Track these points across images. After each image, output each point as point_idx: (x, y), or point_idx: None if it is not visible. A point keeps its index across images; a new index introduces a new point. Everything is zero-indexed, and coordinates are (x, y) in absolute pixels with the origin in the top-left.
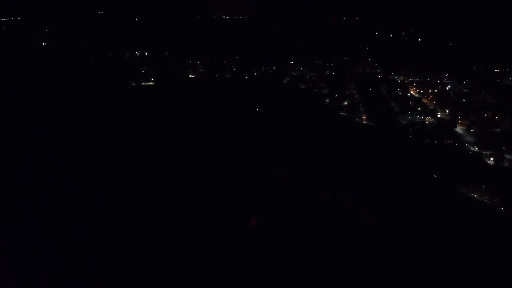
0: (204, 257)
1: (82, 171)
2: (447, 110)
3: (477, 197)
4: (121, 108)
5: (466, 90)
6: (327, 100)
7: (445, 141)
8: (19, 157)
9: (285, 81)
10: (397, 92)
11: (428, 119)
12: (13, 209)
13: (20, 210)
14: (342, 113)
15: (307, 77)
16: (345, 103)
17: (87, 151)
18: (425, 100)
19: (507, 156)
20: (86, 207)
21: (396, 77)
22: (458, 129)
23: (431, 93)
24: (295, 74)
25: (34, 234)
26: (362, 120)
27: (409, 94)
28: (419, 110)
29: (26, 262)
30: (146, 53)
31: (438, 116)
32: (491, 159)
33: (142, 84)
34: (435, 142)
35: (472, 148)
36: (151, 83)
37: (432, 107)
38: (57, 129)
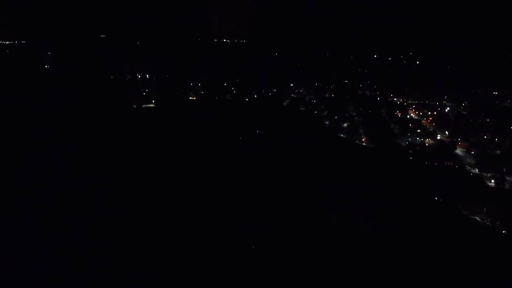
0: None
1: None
2: (446, 132)
3: (478, 219)
4: (121, 129)
5: (465, 112)
6: (326, 122)
7: (446, 163)
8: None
9: (285, 103)
10: (397, 114)
11: (428, 141)
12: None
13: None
14: (342, 135)
15: (307, 99)
16: (345, 125)
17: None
18: (424, 122)
19: (508, 178)
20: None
21: (395, 99)
22: (458, 151)
23: (430, 115)
24: (295, 96)
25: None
26: (362, 142)
27: (408, 116)
28: (418, 132)
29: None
30: (147, 75)
31: (438, 138)
32: (492, 181)
33: (143, 106)
34: (436, 164)
35: (473, 170)
36: (151, 105)
37: (431, 129)
38: (59, 148)
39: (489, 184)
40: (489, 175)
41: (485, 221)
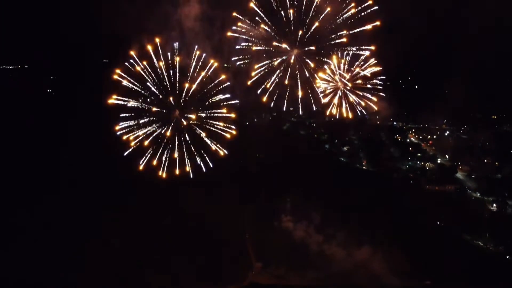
0: None
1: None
2: (447, 156)
3: (481, 244)
4: (120, 157)
5: (464, 136)
6: (327, 146)
7: (447, 187)
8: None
9: (285, 127)
10: (396, 138)
11: (428, 164)
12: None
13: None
14: (342, 159)
15: (307, 123)
16: (345, 148)
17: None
18: (424, 146)
19: (510, 202)
20: None
21: (394, 123)
22: (459, 175)
23: (430, 139)
24: (295, 120)
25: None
26: (363, 165)
27: (408, 140)
28: (419, 156)
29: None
30: (148, 100)
31: (439, 161)
32: (494, 205)
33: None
34: (437, 188)
35: (474, 194)
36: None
37: (432, 153)
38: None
39: (491, 208)
40: (490, 199)
41: (488, 246)
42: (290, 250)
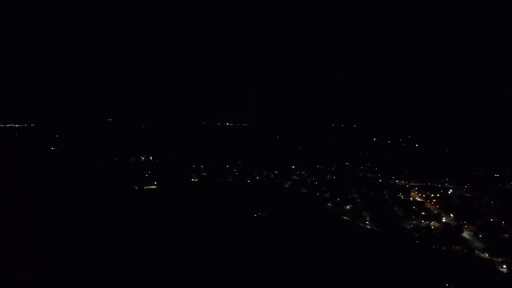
0: None
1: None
2: (451, 215)
3: None
4: (122, 210)
5: (468, 195)
6: (329, 204)
7: (454, 247)
8: None
9: (286, 185)
10: (399, 196)
11: (433, 224)
12: None
13: None
14: (345, 218)
15: (309, 181)
16: (348, 207)
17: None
18: (428, 205)
19: None
20: None
21: (396, 181)
22: (466, 234)
23: (433, 198)
24: (297, 178)
25: None
26: (366, 225)
27: (411, 199)
28: (423, 214)
29: None
30: (150, 157)
31: (443, 221)
32: (504, 266)
33: (144, 187)
34: (443, 248)
35: (482, 255)
36: (153, 186)
37: (436, 212)
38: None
39: (501, 269)
40: (500, 260)
41: None
42: None
